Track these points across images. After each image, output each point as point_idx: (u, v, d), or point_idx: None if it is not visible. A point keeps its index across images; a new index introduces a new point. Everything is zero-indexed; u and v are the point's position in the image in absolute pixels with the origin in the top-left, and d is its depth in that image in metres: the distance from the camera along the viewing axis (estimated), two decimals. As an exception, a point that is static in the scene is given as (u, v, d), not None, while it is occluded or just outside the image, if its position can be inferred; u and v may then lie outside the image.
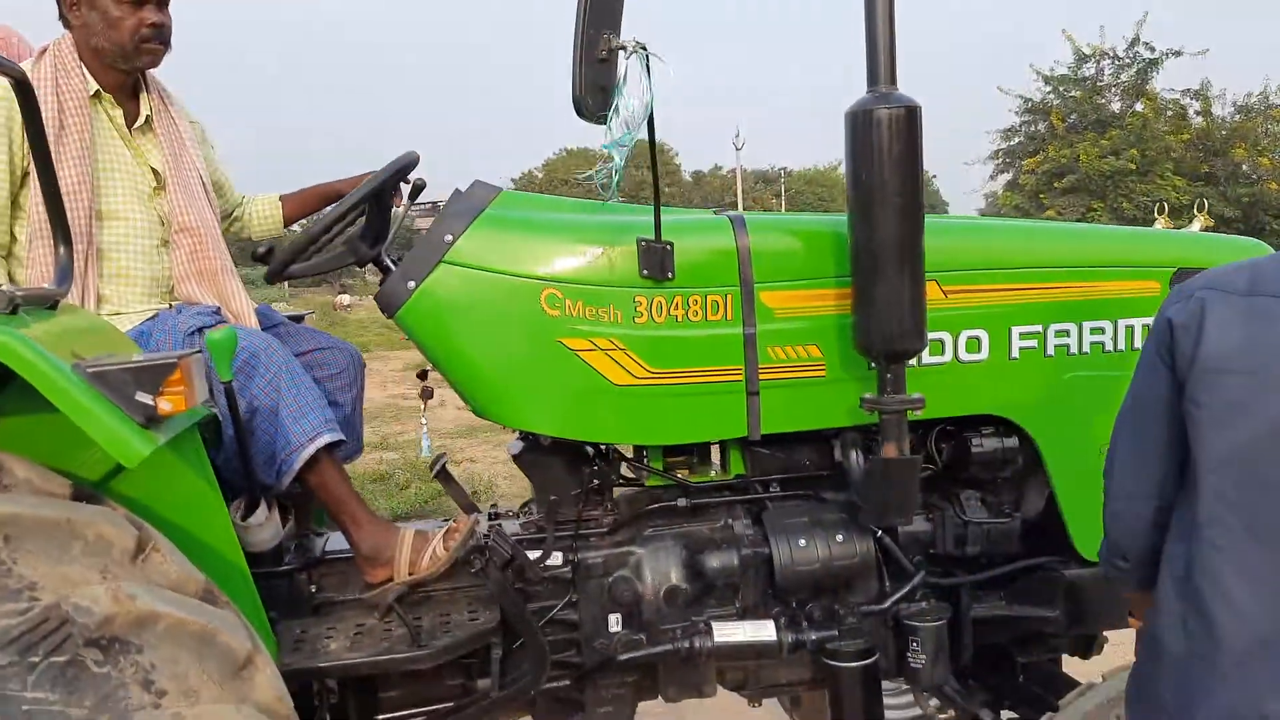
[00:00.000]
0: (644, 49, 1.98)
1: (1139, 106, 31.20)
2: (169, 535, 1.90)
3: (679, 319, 2.33)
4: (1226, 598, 1.49)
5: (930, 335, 2.43)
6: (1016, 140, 34.67)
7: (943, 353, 2.46)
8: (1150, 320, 2.42)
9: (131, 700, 1.54)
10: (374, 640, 2.22)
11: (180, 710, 1.56)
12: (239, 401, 2.17)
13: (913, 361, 2.43)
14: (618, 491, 2.60)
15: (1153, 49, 30.53)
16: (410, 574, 2.30)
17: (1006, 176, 36.32)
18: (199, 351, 1.94)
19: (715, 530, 2.52)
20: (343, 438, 2.29)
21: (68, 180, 2.25)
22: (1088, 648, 2.79)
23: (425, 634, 2.24)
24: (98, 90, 2.39)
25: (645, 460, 2.55)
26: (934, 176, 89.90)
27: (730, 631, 2.42)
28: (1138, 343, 2.54)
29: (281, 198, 2.92)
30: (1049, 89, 32.87)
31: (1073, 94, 32.49)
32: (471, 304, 2.29)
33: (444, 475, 2.62)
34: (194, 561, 1.88)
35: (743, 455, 2.55)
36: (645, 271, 2.29)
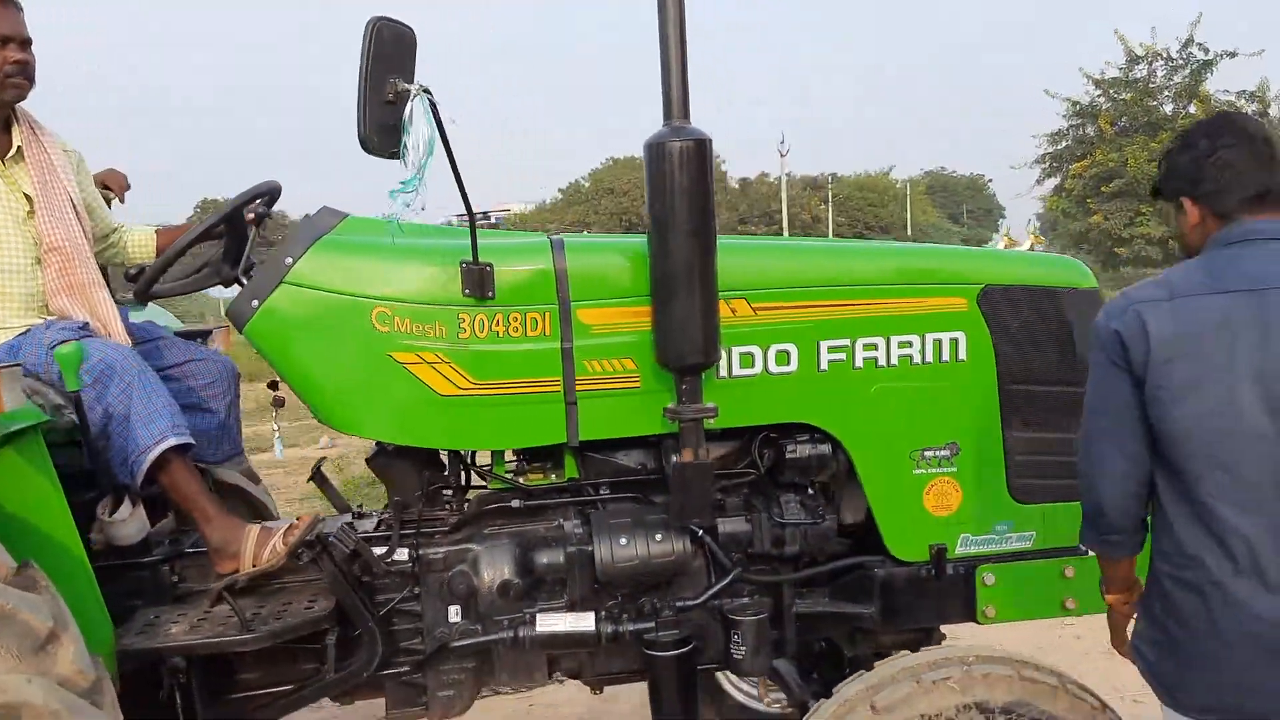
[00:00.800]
0: (428, 94, 2.20)
1: (1191, 109, 30.70)
2: (10, 527, 2.16)
3: (500, 334, 2.55)
4: (1236, 532, 1.88)
5: (741, 349, 2.64)
6: (1064, 144, 34.32)
7: (753, 365, 2.65)
8: (957, 334, 2.61)
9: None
10: (213, 625, 2.47)
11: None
12: (96, 408, 2.43)
13: (724, 373, 2.63)
14: (474, 493, 2.83)
15: (1206, 50, 30.06)
16: (254, 565, 2.54)
17: (1054, 181, 35.95)
18: (17, 365, 2.20)
19: (548, 529, 2.74)
20: (190, 441, 2.53)
21: None
22: (920, 643, 2.95)
23: (260, 620, 2.48)
24: None
25: (490, 465, 2.77)
26: (989, 180, 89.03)
27: (553, 622, 2.63)
28: (945, 355, 2.70)
29: (158, 230, 3.17)
30: (1098, 92, 32.50)
31: (1123, 96, 32.09)
32: (309, 321, 2.52)
33: (320, 479, 2.87)
34: (33, 552, 2.14)
35: (576, 460, 2.75)
36: (467, 291, 2.51)
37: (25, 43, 2.70)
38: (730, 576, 2.69)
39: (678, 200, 2.37)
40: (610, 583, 2.65)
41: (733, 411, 2.66)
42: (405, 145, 2.21)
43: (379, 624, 2.60)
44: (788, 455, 2.74)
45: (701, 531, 2.69)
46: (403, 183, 2.23)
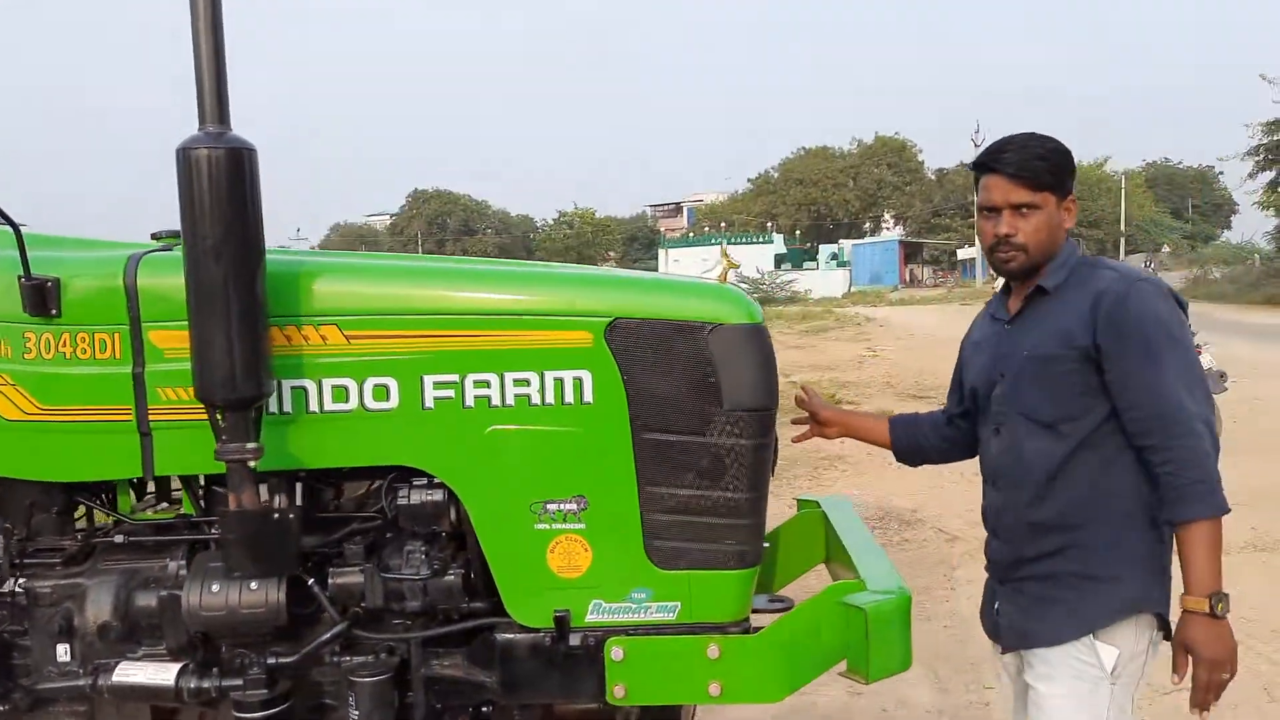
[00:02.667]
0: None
1: None
2: None
3: (68, 356, 2.38)
4: None
5: (333, 381, 2.39)
6: (1280, 135, 31.45)
7: (347, 400, 2.39)
8: (580, 373, 2.29)
9: None
10: None
11: None
12: None
13: (315, 407, 2.39)
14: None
15: None
16: None
17: (1269, 175, 33.02)
18: None
19: (156, 569, 2.55)
20: None
21: None
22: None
23: None
24: None
25: (111, 495, 2.62)
26: (1220, 173, 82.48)
27: (130, 672, 2.45)
28: (568, 396, 2.36)
29: None
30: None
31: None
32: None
33: None
34: None
35: (192, 494, 2.57)
36: (27, 308, 2.35)
37: None
38: (333, 632, 2.45)
39: (209, 215, 2.14)
40: (198, 632, 2.45)
41: (326, 451, 2.41)
42: None
43: None
44: (400, 501, 2.46)
45: (311, 581, 2.45)
46: None
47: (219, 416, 2.24)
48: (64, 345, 2.38)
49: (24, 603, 2.54)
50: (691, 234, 63.81)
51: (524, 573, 2.42)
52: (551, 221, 77.62)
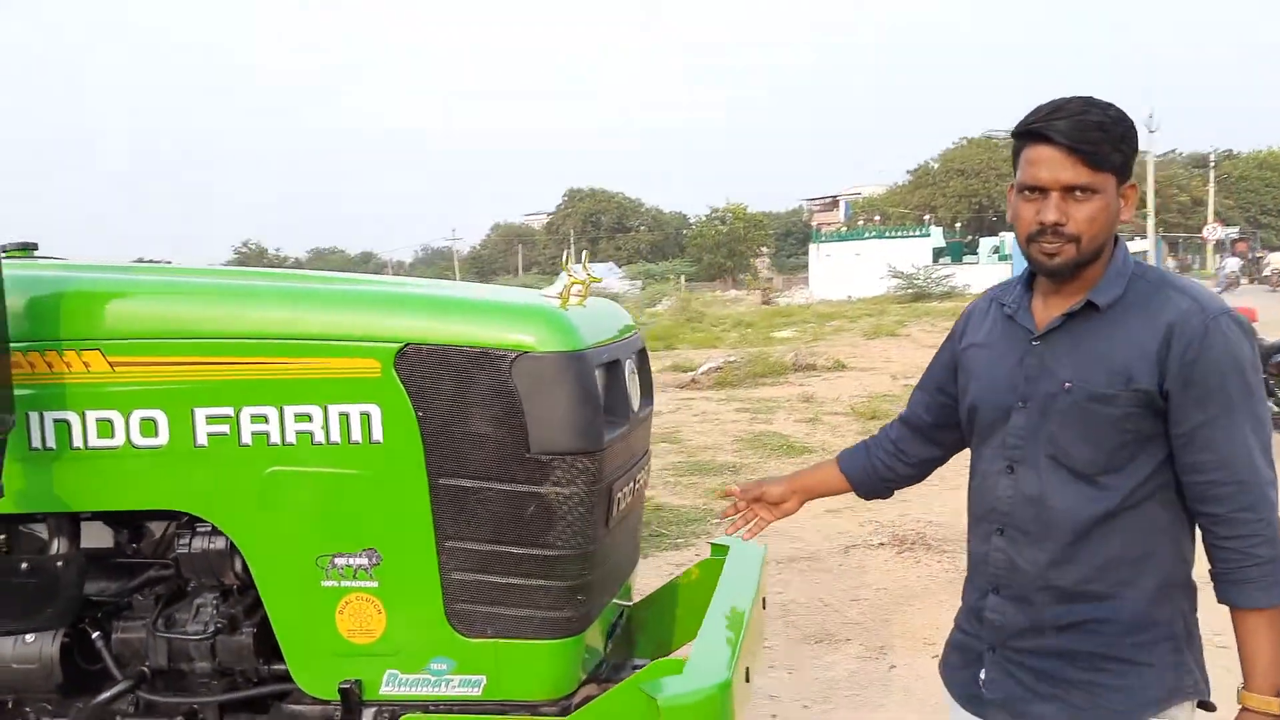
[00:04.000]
0: None
1: None
2: None
3: None
4: None
5: (97, 414, 2.12)
6: None
7: (113, 435, 2.11)
8: (368, 407, 1.97)
9: None
10: None
11: None
12: None
13: (80, 442, 2.12)
14: None
15: None
16: None
17: None
18: None
19: None
20: None
21: None
22: None
23: None
24: None
25: None
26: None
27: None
28: (355, 434, 2.03)
29: None
30: None
31: None
32: None
33: None
34: None
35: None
36: None
37: None
38: (112, 692, 2.19)
39: None
40: None
41: (92, 492, 2.15)
42: None
43: None
44: (180, 550, 2.18)
45: (97, 635, 2.20)
46: None
47: (-55, 455, 2.00)
48: None
49: None
50: (846, 228, 62.37)
51: (310, 635, 2.10)
52: (703, 218, 77.36)
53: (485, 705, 2.05)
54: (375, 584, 2.06)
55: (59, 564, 2.17)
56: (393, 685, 2.08)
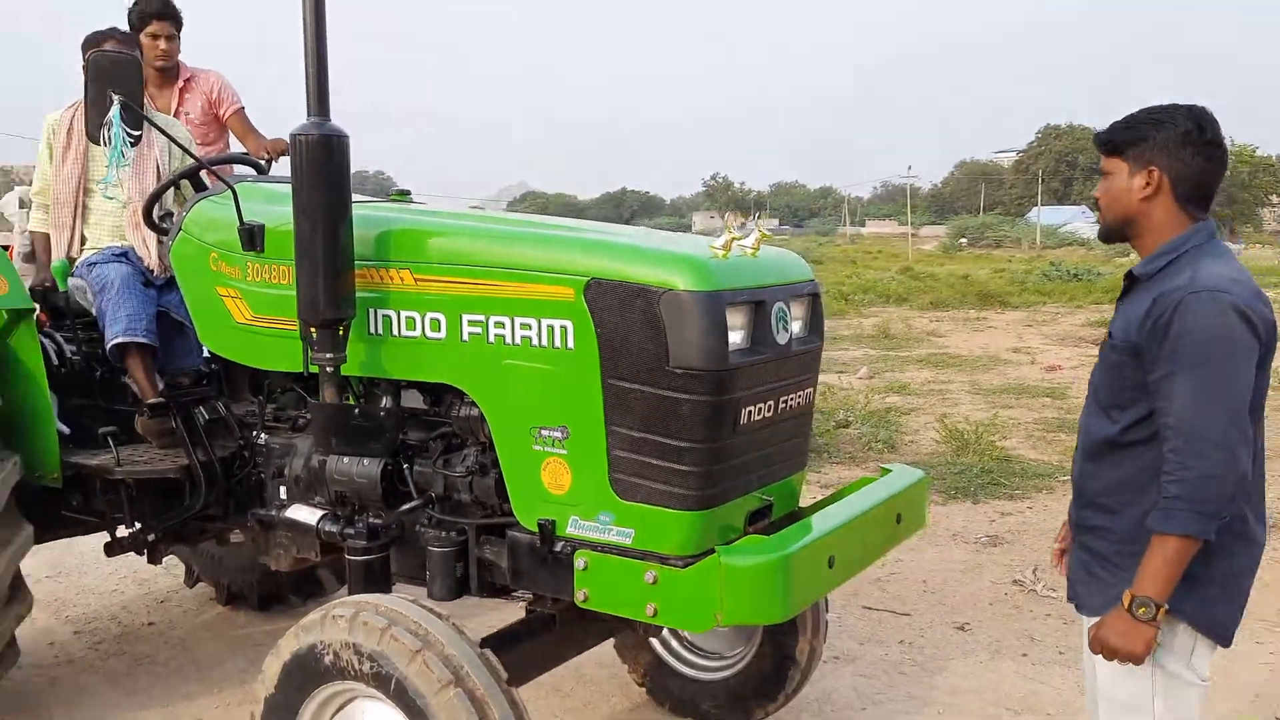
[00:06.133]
0: (122, 100, 3.07)
1: None
2: (2, 370, 3.64)
3: (267, 280, 3.31)
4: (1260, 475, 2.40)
5: (406, 313, 3.07)
6: None
7: (415, 329, 3.04)
8: (565, 323, 2.76)
9: None
10: (115, 459, 3.70)
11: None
12: (98, 308, 3.79)
13: (397, 331, 3.08)
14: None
15: None
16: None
17: None
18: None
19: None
20: (141, 340, 3.73)
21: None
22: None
23: (130, 461, 3.68)
24: None
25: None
26: None
27: (295, 511, 3.38)
28: (557, 341, 2.78)
29: None
30: None
31: None
32: (184, 259, 3.56)
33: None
34: (12, 390, 3.58)
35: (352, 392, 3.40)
36: (244, 245, 3.32)
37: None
38: (408, 506, 3.15)
39: (311, 184, 2.90)
40: (340, 491, 3.28)
41: (401, 366, 3.10)
42: (104, 136, 3.13)
43: (211, 479, 3.63)
44: (452, 413, 3.08)
45: (391, 466, 3.17)
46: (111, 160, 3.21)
47: (312, 332, 3.02)
48: (266, 273, 3.31)
49: (264, 454, 3.59)
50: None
51: (525, 484, 2.91)
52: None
53: (632, 551, 2.74)
54: (565, 451, 2.82)
55: (382, 414, 3.16)
56: (574, 527, 2.83)
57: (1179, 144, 2.35)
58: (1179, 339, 2.22)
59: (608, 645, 3.91)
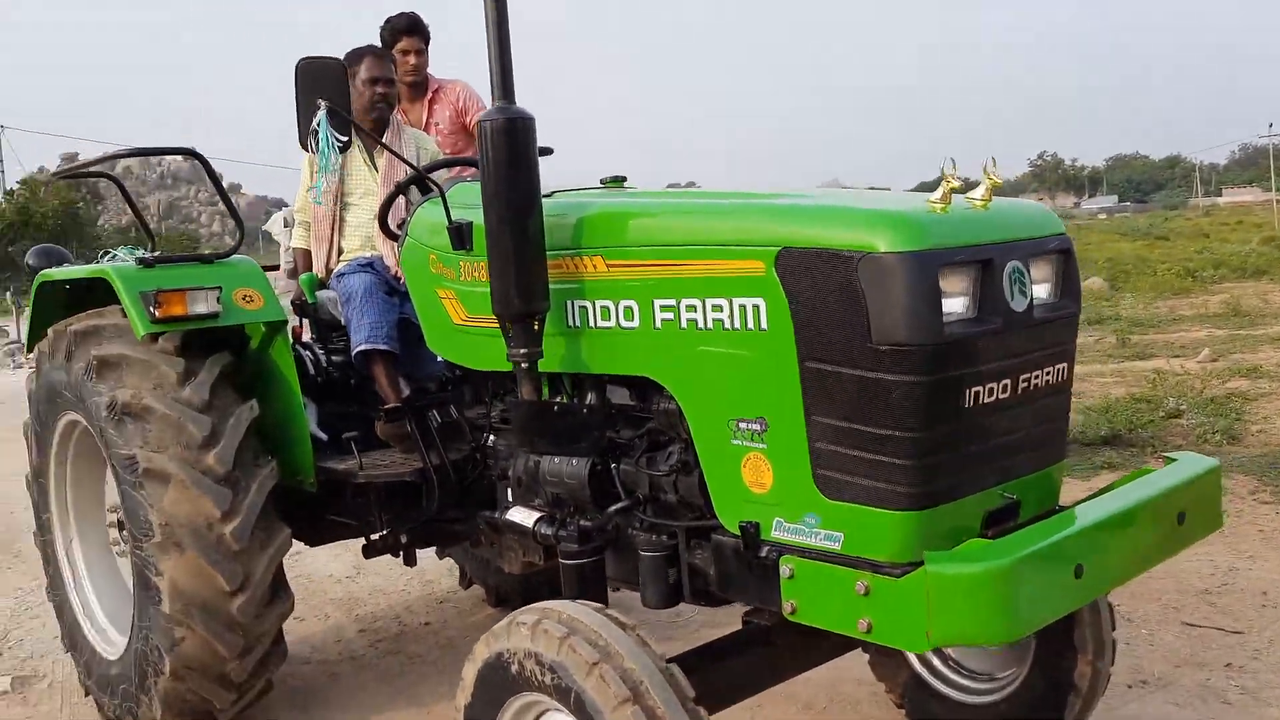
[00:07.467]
0: (330, 106, 3.07)
1: None
2: (260, 380, 3.82)
3: (478, 279, 3.23)
4: None
5: (600, 303, 2.89)
6: None
7: (610, 319, 2.84)
8: (758, 300, 2.52)
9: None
10: (358, 465, 3.76)
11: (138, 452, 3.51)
12: (345, 317, 3.90)
13: (593, 323, 2.90)
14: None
15: None
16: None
17: None
18: (213, 288, 3.72)
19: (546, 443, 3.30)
20: (381, 347, 3.78)
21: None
22: None
23: (371, 467, 3.71)
24: None
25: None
26: None
27: (515, 513, 3.28)
28: (750, 323, 2.50)
29: None
30: None
31: None
32: (411, 264, 3.57)
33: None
34: (267, 402, 3.75)
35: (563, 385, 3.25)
36: (454, 244, 3.26)
37: (389, 81, 4.22)
38: (616, 507, 2.96)
39: (502, 169, 2.78)
40: (550, 493, 3.15)
41: (596, 359, 2.92)
42: (311, 144, 3.15)
43: (445, 482, 3.60)
44: (653, 408, 2.85)
45: (600, 465, 2.99)
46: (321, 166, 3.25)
47: (508, 327, 2.89)
48: (476, 271, 3.22)
49: (492, 457, 3.53)
50: None
51: (726, 482, 2.63)
52: None
53: (841, 558, 2.39)
54: (764, 446, 2.52)
55: (585, 410, 2.98)
56: (780, 530, 2.52)
57: None
58: None
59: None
